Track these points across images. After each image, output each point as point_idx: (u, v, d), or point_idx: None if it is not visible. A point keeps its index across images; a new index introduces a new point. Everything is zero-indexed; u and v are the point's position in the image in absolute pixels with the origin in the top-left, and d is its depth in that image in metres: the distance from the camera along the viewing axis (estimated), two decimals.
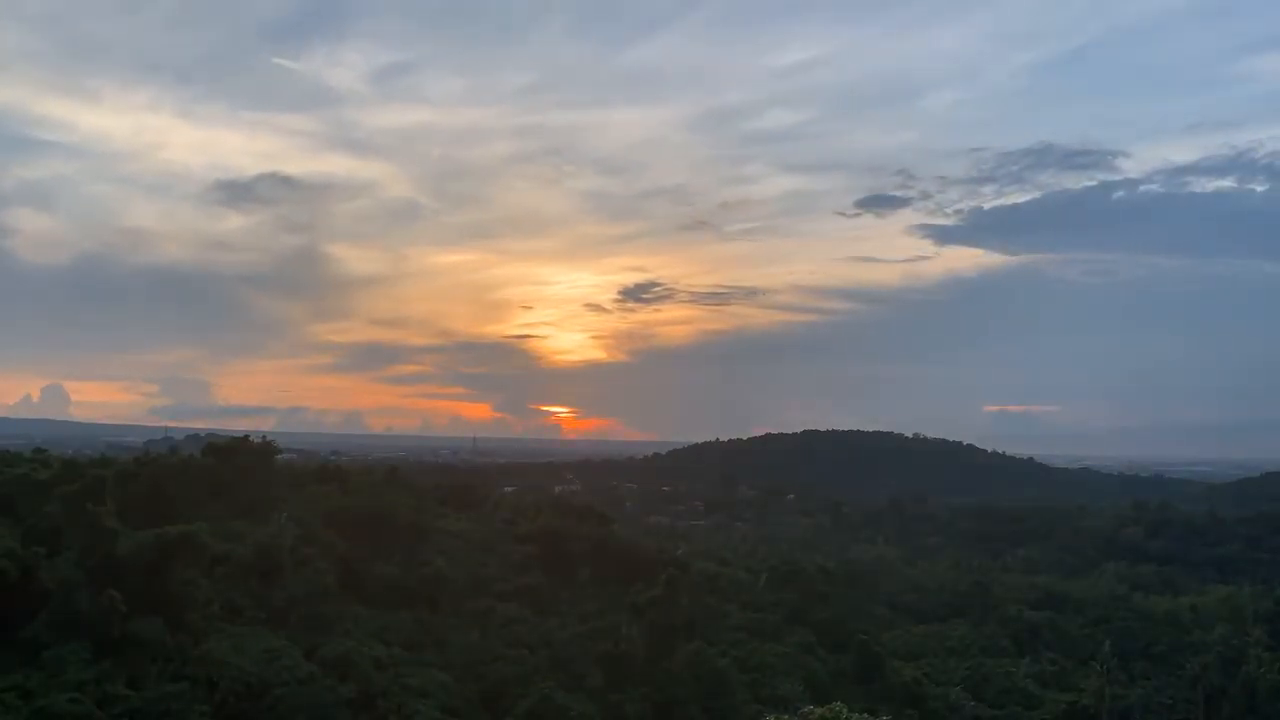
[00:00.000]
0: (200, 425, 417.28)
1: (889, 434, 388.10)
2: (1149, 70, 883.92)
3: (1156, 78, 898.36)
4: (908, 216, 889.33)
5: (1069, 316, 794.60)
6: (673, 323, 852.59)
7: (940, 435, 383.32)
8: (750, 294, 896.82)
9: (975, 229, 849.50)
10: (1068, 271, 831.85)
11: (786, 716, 30.34)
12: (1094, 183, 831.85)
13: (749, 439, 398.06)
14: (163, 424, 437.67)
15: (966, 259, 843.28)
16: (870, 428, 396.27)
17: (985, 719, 75.90)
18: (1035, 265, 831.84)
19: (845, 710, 29.29)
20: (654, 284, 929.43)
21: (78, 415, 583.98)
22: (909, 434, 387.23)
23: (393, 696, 55.66)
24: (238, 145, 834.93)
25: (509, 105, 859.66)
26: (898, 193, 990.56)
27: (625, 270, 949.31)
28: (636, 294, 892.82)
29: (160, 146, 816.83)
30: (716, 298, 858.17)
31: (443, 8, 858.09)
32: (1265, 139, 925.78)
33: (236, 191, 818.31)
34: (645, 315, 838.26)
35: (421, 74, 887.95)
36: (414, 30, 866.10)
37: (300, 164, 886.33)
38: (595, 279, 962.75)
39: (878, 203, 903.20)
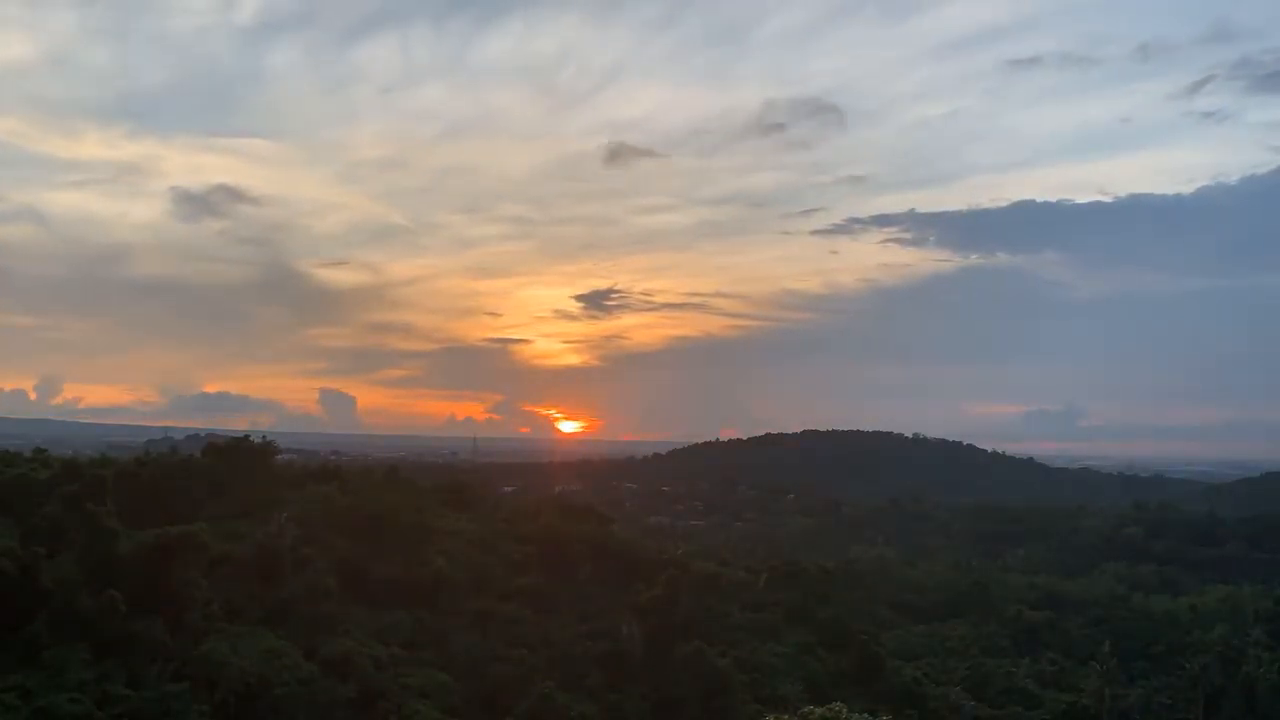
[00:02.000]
0: (200, 425, 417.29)
1: (889, 434, 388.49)
2: None
3: None
4: (866, 226, 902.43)
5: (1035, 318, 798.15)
6: (639, 328, 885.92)
7: (940, 435, 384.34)
8: (703, 303, 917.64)
9: (929, 237, 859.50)
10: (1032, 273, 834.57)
11: (786, 716, 30.34)
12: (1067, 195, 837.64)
13: (749, 439, 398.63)
14: (163, 424, 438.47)
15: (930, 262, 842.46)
16: (870, 428, 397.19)
17: (985, 719, 75.90)
18: (996, 268, 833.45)
19: (845, 710, 29.34)
20: (612, 291, 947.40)
21: (77, 415, 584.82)
22: (909, 434, 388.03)
23: (393, 696, 55.69)
24: (215, 168, 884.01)
25: (429, 144, 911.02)
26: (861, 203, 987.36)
27: (583, 279, 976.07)
28: (598, 301, 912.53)
29: (146, 171, 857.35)
30: (673, 307, 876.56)
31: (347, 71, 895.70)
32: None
33: (213, 208, 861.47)
34: (611, 322, 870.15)
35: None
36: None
37: (262, 185, 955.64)
38: (558, 289, 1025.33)
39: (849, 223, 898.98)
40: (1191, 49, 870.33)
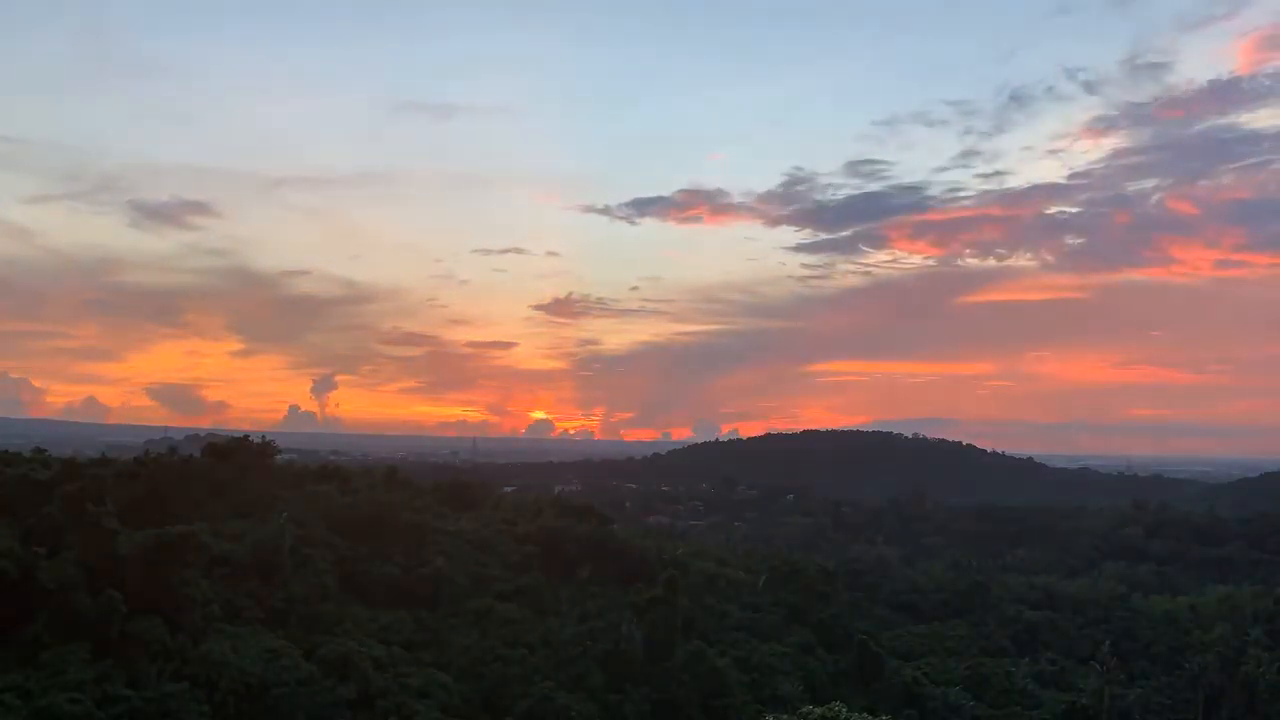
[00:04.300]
0: (200, 425, 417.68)
1: (889, 434, 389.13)
2: None
3: None
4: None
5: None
6: (609, 333, 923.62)
7: (940, 435, 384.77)
8: (659, 309, 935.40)
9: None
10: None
11: (786, 716, 30.38)
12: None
13: (749, 439, 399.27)
14: (163, 424, 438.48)
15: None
16: (870, 428, 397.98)
17: (985, 719, 75.88)
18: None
19: (845, 710, 29.40)
20: (572, 299, 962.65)
21: (77, 415, 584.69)
22: (909, 434, 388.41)
23: (393, 696, 55.70)
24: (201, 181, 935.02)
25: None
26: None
27: (551, 286, 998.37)
28: (563, 308, 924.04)
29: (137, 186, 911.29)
30: (632, 313, 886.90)
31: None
32: None
33: (179, 220, 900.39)
34: (580, 329, 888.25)
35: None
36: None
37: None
38: (518, 297, 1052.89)
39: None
40: None
